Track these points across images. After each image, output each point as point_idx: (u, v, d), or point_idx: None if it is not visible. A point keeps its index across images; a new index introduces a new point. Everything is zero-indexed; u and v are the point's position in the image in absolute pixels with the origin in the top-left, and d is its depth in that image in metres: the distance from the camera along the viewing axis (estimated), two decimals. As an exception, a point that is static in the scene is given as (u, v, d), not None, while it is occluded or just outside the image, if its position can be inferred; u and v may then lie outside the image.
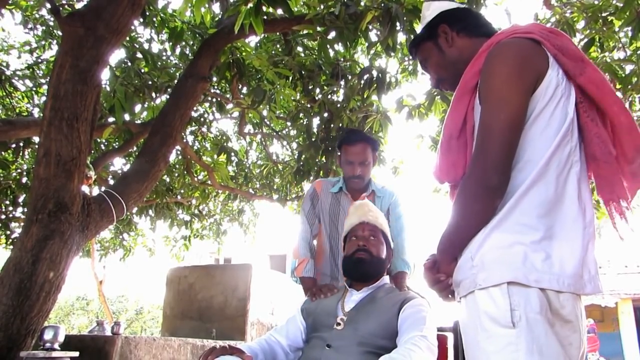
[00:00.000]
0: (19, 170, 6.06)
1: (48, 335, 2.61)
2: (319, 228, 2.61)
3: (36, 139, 4.85)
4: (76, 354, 2.67)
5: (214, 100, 5.40)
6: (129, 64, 4.43)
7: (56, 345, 2.61)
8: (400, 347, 1.65)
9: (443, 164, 1.30)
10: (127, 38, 4.27)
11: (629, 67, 3.92)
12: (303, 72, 4.33)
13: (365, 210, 2.11)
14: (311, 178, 5.42)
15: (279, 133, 6.18)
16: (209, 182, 6.52)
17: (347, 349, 1.71)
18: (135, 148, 5.51)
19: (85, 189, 3.17)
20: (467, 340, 1.12)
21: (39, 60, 5.78)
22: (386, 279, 2.06)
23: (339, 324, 1.83)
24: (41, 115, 3.97)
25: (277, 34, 4.53)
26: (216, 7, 4.57)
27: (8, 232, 6.19)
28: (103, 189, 3.61)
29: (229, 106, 5.35)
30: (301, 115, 5.04)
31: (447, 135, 1.27)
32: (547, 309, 1.02)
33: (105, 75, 3.60)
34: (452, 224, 1.18)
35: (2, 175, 5.76)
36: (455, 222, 1.17)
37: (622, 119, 1.14)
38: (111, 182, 5.98)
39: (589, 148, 1.17)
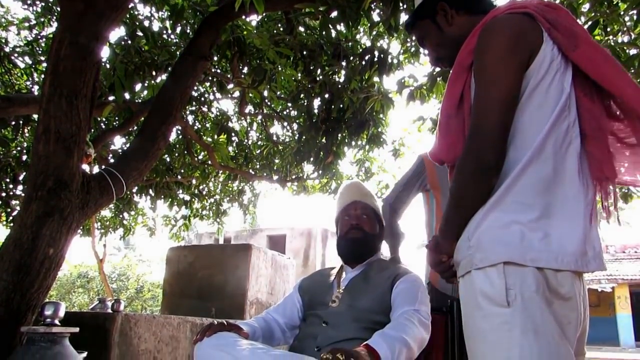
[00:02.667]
0: (18, 148, 6.05)
1: (48, 310, 2.63)
2: (426, 198, 2.61)
3: (36, 117, 4.84)
4: (76, 329, 2.69)
5: (215, 79, 5.37)
6: (129, 41, 4.39)
7: (56, 321, 2.63)
8: (394, 322, 1.67)
9: (442, 145, 1.29)
10: (127, 15, 4.23)
11: (633, 51, 3.88)
12: (304, 52, 4.30)
13: (356, 189, 2.13)
14: (311, 159, 5.42)
15: (280, 114, 6.16)
16: (209, 162, 6.51)
17: (343, 325, 1.73)
18: (135, 127, 5.49)
19: (85, 167, 3.17)
20: (465, 320, 1.12)
21: (39, 37, 5.73)
22: (379, 254, 2.07)
23: (334, 302, 1.85)
24: (40, 92, 3.94)
25: (279, 12, 4.48)
26: (217, -15, 4.52)
27: (9, 210, 6.20)
28: (103, 167, 3.61)
29: (230, 86, 5.32)
30: (302, 95, 5.01)
31: (445, 115, 1.26)
32: (544, 287, 1.02)
33: (105, 52, 3.57)
34: (451, 205, 1.18)
35: (2, 152, 5.75)
36: (453, 203, 1.17)
37: (629, 91, 1.11)
38: (111, 161, 5.97)
39: (580, 124, 1.15)
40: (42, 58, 5.55)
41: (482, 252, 1.07)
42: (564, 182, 1.10)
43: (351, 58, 4.36)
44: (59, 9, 3.46)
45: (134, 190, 6.78)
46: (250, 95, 5.36)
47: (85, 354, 2.83)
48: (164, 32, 5.10)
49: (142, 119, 4.74)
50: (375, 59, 4.03)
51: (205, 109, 6.33)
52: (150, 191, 6.80)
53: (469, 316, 1.10)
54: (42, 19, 5.58)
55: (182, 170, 6.89)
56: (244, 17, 4.06)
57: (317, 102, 5.02)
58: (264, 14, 4.50)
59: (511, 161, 1.11)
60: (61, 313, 2.67)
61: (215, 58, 4.81)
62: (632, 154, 1.15)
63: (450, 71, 1.27)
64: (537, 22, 1.14)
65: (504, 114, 1.09)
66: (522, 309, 1.00)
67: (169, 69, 4.50)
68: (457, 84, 1.22)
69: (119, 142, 6.53)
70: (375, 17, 3.94)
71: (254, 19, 4.77)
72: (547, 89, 1.11)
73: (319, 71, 4.57)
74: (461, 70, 1.21)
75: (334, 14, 3.44)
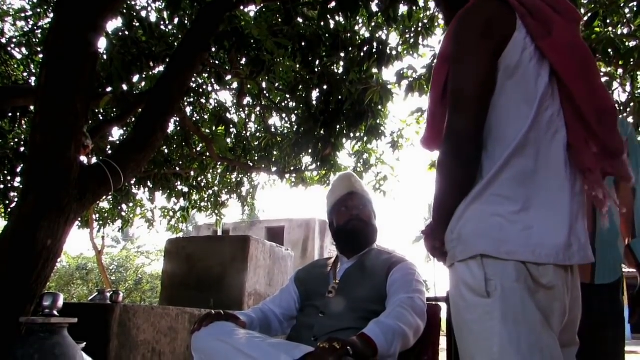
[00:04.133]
0: (16, 140, 6.03)
1: (47, 301, 2.63)
2: None
3: (33, 108, 4.82)
4: (75, 320, 2.70)
5: (213, 70, 5.35)
6: (126, 32, 4.37)
7: (55, 312, 2.64)
8: (389, 310, 1.67)
9: (430, 133, 1.30)
10: (124, 6, 4.20)
11: (632, 43, 3.87)
12: (303, 43, 4.28)
13: (352, 181, 2.13)
14: (310, 151, 5.42)
15: (278, 105, 6.14)
16: (208, 153, 6.50)
17: (340, 315, 1.74)
18: (133, 118, 5.48)
19: (82, 158, 3.16)
20: (452, 310, 1.14)
21: (35, 28, 5.70)
22: (374, 245, 2.08)
23: (330, 292, 1.85)
24: (37, 83, 3.93)
25: (277, 3, 4.46)
26: (215, -25, 4.49)
27: (7, 202, 6.19)
28: (101, 158, 3.60)
29: (228, 77, 5.30)
30: (300, 87, 5.00)
31: (432, 104, 1.26)
32: (527, 277, 1.02)
33: (102, 43, 3.56)
34: (437, 195, 1.18)
35: (-1, 144, 5.74)
36: (438, 194, 1.17)
37: (582, 94, 1.09)
38: (109, 152, 5.95)
39: (564, 114, 1.13)
40: (39, 49, 5.52)
41: (462, 244, 1.08)
42: (548, 173, 1.08)
43: (350, 49, 4.34)
44: (55, -1, 3.44)
45: (133, 182, 6.78)
46: (249, 86, 5.34)
47: (84, 345, 2.84)
48: (162, 23, 5.08)
49: (140, 110, 4.73)
50: (374, 50, 4.03)
51: (203, 100, 6.31)
52: (149, 183, 6.80)
53: (455, 307, 1.11)
54: (38, 10, 5.55)
55: (181, 162, 6.88)
56: (242, 7, 4.03)
57: (315, 94, 5.01)
58: (262, 5, 4.48)
59: (490, 153, 1.09)
60: (60, 304, 2.68)
61: (213, 49, 4.78)
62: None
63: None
64: (512, 7, 1.11)
65: (476, 103, 1.08)
66: (502, 299, 1.01)
67: (167, 60, 4.48)
68: (441, 73, 1.21)
69: (117, 135, 6.51)
70: (374, 7, 3.93)
71: (252, 10, 4.75)
72: (523, 77, 1.09)
73: (317, 62, 4.56)
74: (443, 60, 1.20)
75: (333, 4, 3.42)
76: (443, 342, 1.92)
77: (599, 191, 1.15)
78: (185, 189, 7.44)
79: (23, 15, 5.73)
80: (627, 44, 3.86)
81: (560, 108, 1.12)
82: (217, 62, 5.47)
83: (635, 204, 1.90)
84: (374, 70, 4.40)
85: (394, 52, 4.22)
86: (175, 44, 4.74)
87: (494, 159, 1.09)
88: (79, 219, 5.65)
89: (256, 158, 6.93)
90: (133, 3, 4.85)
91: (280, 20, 4.60)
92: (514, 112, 1.09)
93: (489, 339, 1.00)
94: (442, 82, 1.21)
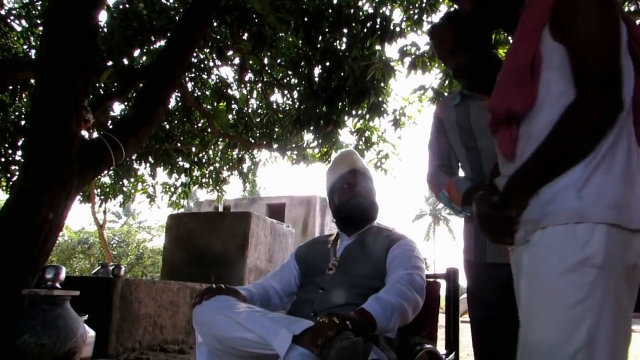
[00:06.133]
0: (17, 113, 6.01)
1: (49, 274, 2.67)
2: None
3: (33, 81, 4.79)
4: (77, 292, 2.73)
5: (214, 45, 5.30)
6: (127, 5, 4.31)
7: (57, 284, 2.67)
8: (388, 285, 1.68)
9: (515, 94, 1.20)
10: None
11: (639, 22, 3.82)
12: (305, 18, 4.23)
13: (354, 158, 2.12)
14: (311, 128, 5.40)
15: (280, 81, 6.10)
16: (209, 129, 6.48)
17: (340, 291, 1.75)
18: (134, 93, 5.45)
19: (83, 132, 3.16)
20: (533, 281, 1.08)
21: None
22: (374, 222, 2.08)
23: (330, 269, 1.87)
24: (37, 56, 3.89)
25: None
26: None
27: (8, 175, 6.20)
28: (102, 132, 3.59)
29: (230, 53, 5.25)
30: (302, 63, 4.95)
31: (519, 64, 1.19)
32: (638, 253, 1.01)
33: (103, 16, 3.52)
34: (544, 156, 1.10)
35: (0, 117, 5.72)
36: (550, 155, 1.09)
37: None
38: (110, 127, 5.94)
39: None
40: (39, 21, 5.46)
41: (588, 208, 1.02)
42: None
43: (353, 25, 4.29)
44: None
45: (134, 157, 6.78)
46: (251, 62, 5.29)
47: (86, 317, 2.88)
48: (163, -4, 5.01)
49: (141, 85, 4.70)
50: (377, 27, 3.97)
51: (204, 75, 6.26)
52: (150, 158, 6.79)
53: (544, 273, 1.05)
54: (38, -19, 5.47)
55: (182, 138, 6.87)
56: (244, -19, 3.98)
57: (317, 70, 4.97)
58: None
59: None
60: (62, 276, 2.71)
61: (215, 23, 4.73)
62: None
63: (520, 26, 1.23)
64: None
65: (616, 64, 1.06)
66: (609, 274, 0.98)
67: (168, 34, 4.44)
68: (532, 37, 1.17)
69: (117, 109, 6.49)
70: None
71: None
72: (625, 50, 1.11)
73: (320, 38, 4.51)
74: (536, 25, 1.16)
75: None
76: (442, 319, 1.94)
77: None
78: (187, 165, 7.44)
79: (22, -14, 5.66)
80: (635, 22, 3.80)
81: None
82: (218, 37, 5.41)
83: None
84: (377, 47, 4.35)
85: (398, 29, 4.16)
86: (177, 17, 4.69)
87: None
88: (81, 194, 5.67)
89: (257, 134, 6.91)
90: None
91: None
92: (627, 79, 1.08)
93: (582, 316, 0.97)
94: (534, 46, 1.16)
